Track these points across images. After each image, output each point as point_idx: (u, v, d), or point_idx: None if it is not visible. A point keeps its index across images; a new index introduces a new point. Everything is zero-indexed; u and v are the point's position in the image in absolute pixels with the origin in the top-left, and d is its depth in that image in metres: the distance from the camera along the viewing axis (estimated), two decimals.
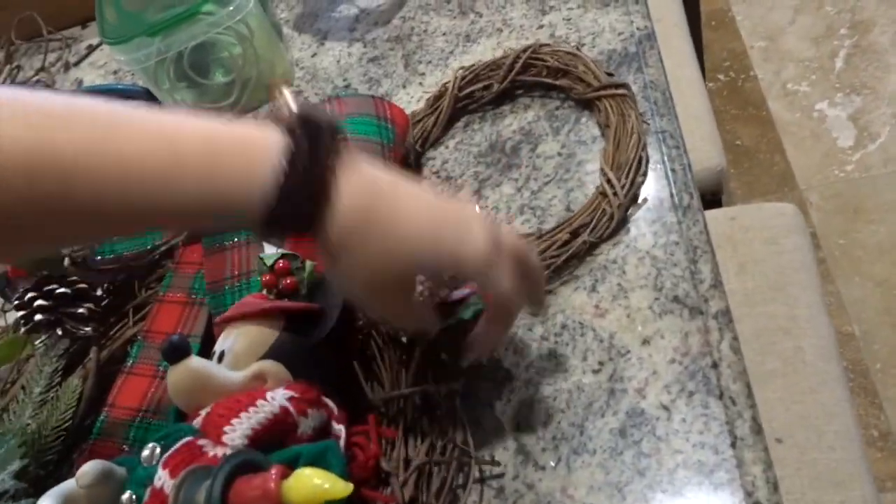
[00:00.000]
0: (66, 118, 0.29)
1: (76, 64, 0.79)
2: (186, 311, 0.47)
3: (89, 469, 0.35)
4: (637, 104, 0.50)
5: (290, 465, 0.31)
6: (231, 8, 0.57)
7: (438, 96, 0.55)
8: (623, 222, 0.46)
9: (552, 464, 0.39)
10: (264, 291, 0.40)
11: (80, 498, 0.34)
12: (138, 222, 0.32)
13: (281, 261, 0.39)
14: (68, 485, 0.34)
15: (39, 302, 0.44)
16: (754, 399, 0.38)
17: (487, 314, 0.37)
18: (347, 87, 0.63)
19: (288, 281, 0.39)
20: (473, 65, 0.56)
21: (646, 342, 0.41)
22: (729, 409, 0.38)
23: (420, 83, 0.60)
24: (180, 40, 0.58)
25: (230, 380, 0.35)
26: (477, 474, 0.39)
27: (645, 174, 0.47)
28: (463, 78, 0.55)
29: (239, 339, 0.37)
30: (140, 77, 0.63)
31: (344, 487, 0.27)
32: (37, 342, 0.47)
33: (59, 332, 0.45)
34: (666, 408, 0.39)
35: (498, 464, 0.39)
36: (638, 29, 0.56)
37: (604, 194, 0.46)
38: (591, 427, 0.39)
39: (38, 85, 0.78)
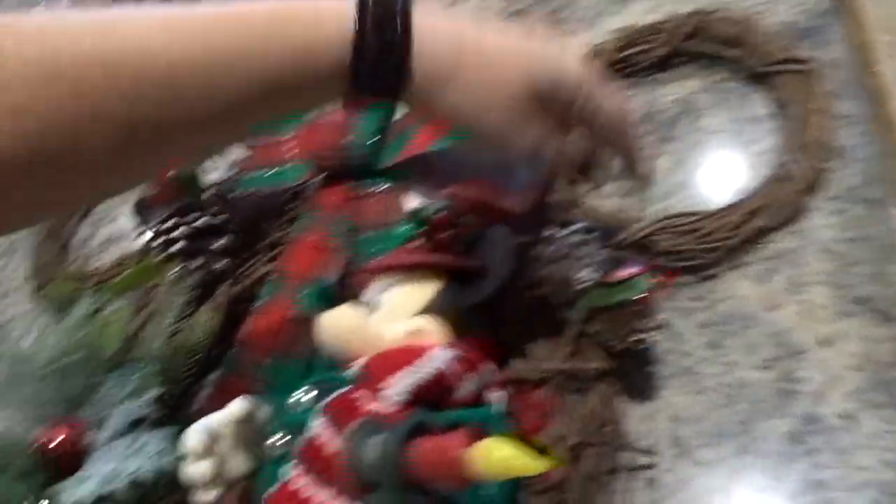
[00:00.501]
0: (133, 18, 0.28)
1: None
2: (323, 254, 0.46)
3: (241, 404, 0.34)
4: (822, 82, 0.45)
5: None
6: None
7: (594, 57, 0.52)
8: (802, 211, 0.42)
9: (713, 459, 0.36)
10: (416, 244, 0.38)
11: (227, 432, 0.33)
12: (227, 113, 0.30)
13: (440, 213, 0.37)
14: (216, 417, 0.33)
15: (181, 230, 0.43)
16: None
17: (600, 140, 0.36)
18: None
19: (446, 235, 0.36)
20: (630, 27, 0.52)
21: (825, 343, 0.38)
22: None
23: None
24: None
25: (389, 331, 0.33)
26: (628, 462, 0.36)
27: (830, 160, 0.43)
28: (619, 40, 0.51)
29: (395, 291, 0.35)
30: None
31: (539, 465, 0.24)
32: (170, 271, 0.46)
33: (196, 263, 0.44)
34: (849, 417, 0.35)
35: (653, 454, 0.36)
36: (811, 6, 0.51)
37: (781, 178, 0.42)
38: (758, 427, 0.36)
39: None
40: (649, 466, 0.36)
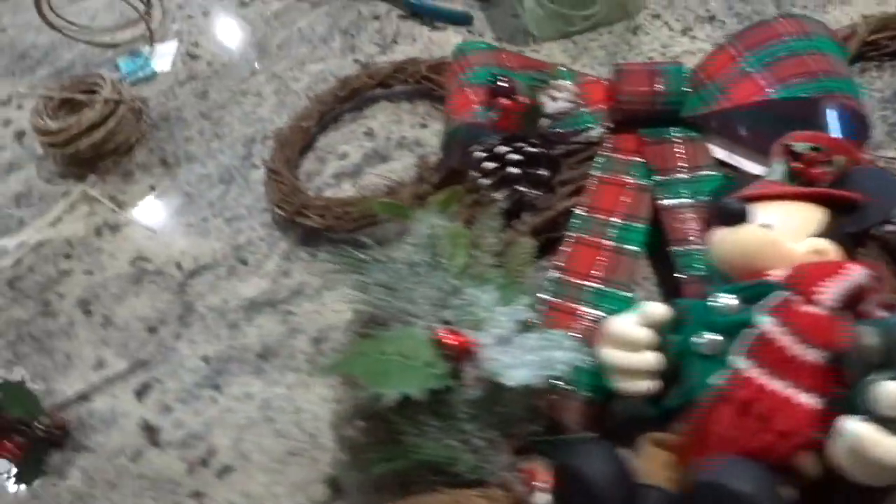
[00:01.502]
0: None
1: None
2: (629, 193, 0.49)
3: (662, 307, 0.37)
4: None
5: None
6: None
7: (846, 37, 0.56)
8: None
9: None
10: (779, 179, 0.41)
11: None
12: None
13: (812, 151, 0.41)
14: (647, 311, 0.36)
15: (514, 157, 0.46)
16: None
17: None
18: (712, 18, 0.64)
19: (818, 170, 0.40)
20: (881, 14, 0.57)
21: None
22: None
23: None
24: None
25: (794, 248, 0.37)
26: None
27: None
28: (873, 23, 0.56)
29: (785, 215, 0.39)
30: None
31: None
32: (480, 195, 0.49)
33: (522, 189, 0.47)
34: None
35: None
36: None
37: None
38: None
39: None
40: None
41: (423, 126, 0.63)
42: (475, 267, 0.45)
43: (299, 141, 0.63)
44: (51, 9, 0.76)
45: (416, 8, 0.72)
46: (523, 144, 0.47)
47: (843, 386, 0.32)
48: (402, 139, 0.63)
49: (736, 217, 0.38)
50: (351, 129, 0.65)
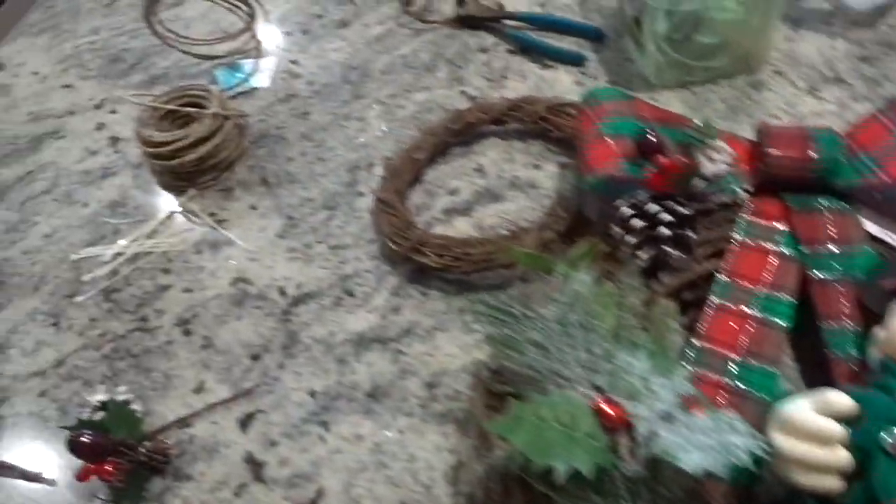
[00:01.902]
0: None
1: None
2: (775, 261, 0.47)
3: (845, 399, 0.35)
4: None
5: None
6: None
7: None
8: None
9: None
10: None
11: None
12: None
13: None
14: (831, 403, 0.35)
15: (667, 217, 0.44)
16: None
17: None
18: (838, 80, 0.63)
19: None
20: None
21: None
22: None
23: None
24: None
25: None
26: None
27: None
28: None
29: None
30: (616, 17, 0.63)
31: None
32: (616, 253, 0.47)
33: (666, 250, 0.45)
34: None
35: None
36: None
37: None
38: None
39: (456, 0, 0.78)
40: None
41: (537, 167, 0.62)
42: (623, 329, 0.43)
43: (409, 172, 0.62)
44: (155, 15, 0.76)
45: (526, 44, 0.71)
46: (674, 204, 0.45)
47: None
48: (515, 179, 0.62)
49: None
50: (461, 165, 0.64)
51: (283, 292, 0.58)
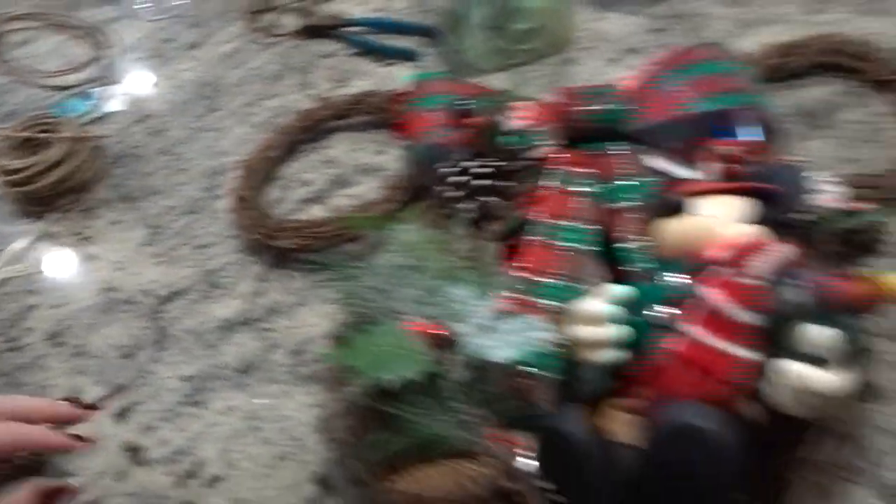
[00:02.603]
0: None
1: None
2: (579, 199, 0.54)
3: (624, 288, 0.42)
4: None
5: None
6: None
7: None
8: None
9: None
10: (705, 178, 0.48)
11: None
12: None
13: (734, 153, 0.48)
14: (609, 293, 0.42)
15: (479, 171, 0.51)
16: None
17: None
18: (634, 50, 0.72)
19: (741, 167, 0.47)
20: (776, 42, 0.66)
21: None
22: None
23: None
24: None
25: (727, 232, 0.43)
26: None
27: None
28: (770, 52, 0.65)
29: (718, 206, 0.45)
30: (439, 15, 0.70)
31: None
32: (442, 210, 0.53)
33: (486, 200, 0.52)
34: None
35: None
36: None
37: None
38: None
39: (295, 12, 0.83)
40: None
41: (382, 153, 0.68)
42: (450, 268, 0.49)
43: (264, 170, 0.66)
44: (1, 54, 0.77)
45: (367, 46, 0.78)
46: (488, 160, 0.52)
47: (771, 341, 0.38)
48: (364, 165, 0.67)
49: (675, 209, 0.44)
50: (313, 159, 0.69)
51: (151, 294, 0.61)
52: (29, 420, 0.39)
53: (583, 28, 0.75)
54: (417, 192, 0.58)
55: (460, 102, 0.54)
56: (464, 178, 0.51)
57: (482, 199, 0.52)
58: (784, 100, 0.64)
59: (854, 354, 0.37)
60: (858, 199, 0.50)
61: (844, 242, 0.49)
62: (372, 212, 0.58)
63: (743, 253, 0.41)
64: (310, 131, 0.69)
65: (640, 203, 0.52)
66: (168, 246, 0.64)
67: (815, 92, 0.64)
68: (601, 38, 0.74)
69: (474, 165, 0.51)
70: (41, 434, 0.39)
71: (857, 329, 0.38)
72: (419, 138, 0.56)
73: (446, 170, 0.52)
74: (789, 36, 0.69)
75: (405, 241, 0.48)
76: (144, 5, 0.88)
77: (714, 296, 0.39)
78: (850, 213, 0.49)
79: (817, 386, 0.34)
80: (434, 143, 0.54)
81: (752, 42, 0.69)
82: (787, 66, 0.65)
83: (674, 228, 0.44)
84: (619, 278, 0.52)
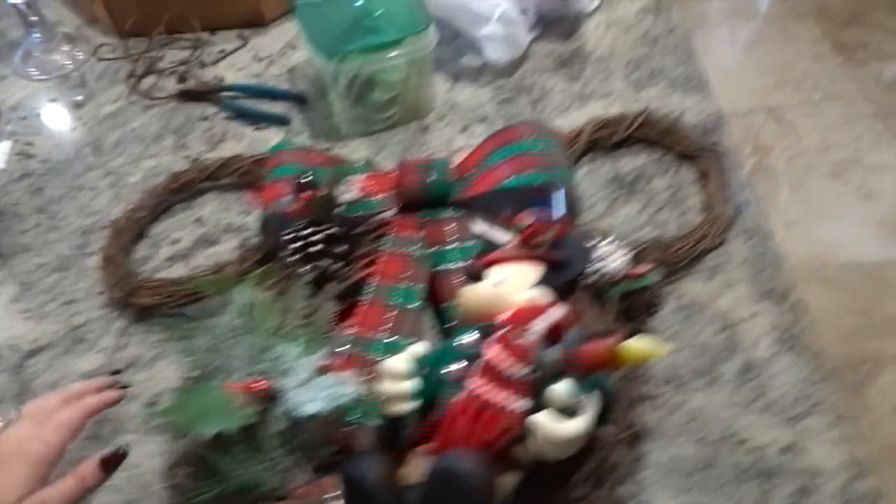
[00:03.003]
0: None
1: (212, 64, 0.91)
2: (410, 263, 0.61)
3: (422, 346, 0.49)
4: (725, 159, 0.71)
5: None
6: (422, 45, 0.73)
7: (575, 136, 0.74)
8: (725, 239, 0.66)
9: (696, 389, 0.57)
10: (509, 246, 0.56)
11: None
12: None
13: (533, 226, 0.55)
14: (409, 352, 0.48)
15: (314, 238, 0.57)
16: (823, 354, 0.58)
17: None
18: (484, 119, 0.80)
19: (538, 239, 0.55)
20: (600, 117, 0.75)
21: (752, 316, 0.61)
22: (812, 360, 0.58)
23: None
24: (377, 61, 0.73)
25: (514, 298, 0.51)
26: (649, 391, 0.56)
27: (737, 208, 0.67)
28: (595, 125, 0.74)
29: (511, 274, 0.53)
30: (320, 82, 0.77)
31: (667, 348, 0.43)
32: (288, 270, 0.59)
33: (323, 263, 0.58)
34: (771, 357, 0.58)
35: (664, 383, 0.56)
36: (711, 111, 0.78)
37: (714, 219, 0.66)
38: (720, 368, 0.58)
39: (176, 76, 0.89)
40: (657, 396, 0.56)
41: (248, 213, 0.73)
42: (286, 328, 0.55)
43: (133, 230, 0.71)
44: None
45: (242, 111, 0.83)
46: (324, 227, 0.58)
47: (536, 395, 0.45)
48: (230, 225, 0.72)
49: (475, 278, 0.51)
50: (183, 218, 0.74)
51: (16, 349, 0.64)
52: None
53: (439, 98, 0.83)
54: (267, 255, 0.63)
55: (304, 174, 0.60)
56: (301, 244, 0.57)
57: (318, 263, 0.58)
58: (604, 168, 0.73)
59: (598, 406, 0.44)
60: (643, 262, 0.59)
61: (626, 304, 0.57)
62: (226, 272, 0.63)
63: (523, 317, 0.48)
64: (181, 192, 0.74)
65: (461, 267, 0.60)
66: (37, 302, 0.68)
67: (631, 162, 0.74)
68: (454, 108, 0.82)
69: (311, 233, 0.57)
70: (99, 399, 0.49)
71: (605, 384, 0.46)
72: (267, 206, 0.62)
73: (287, 237, 0.58)
74: (618, 108, 0.79)
75: (242, 302, 0.54)
76: (30, 68, 0.91)
77: (493, 355, 0.46)
78: (632, 278, 0.57)
79: (556, 434, 0.42)
80: (278, 211, 0.60)
81: (583, 114, 0.78)
82: (607, 140, 0.74)
83: (471, 295, 0.51)
84: (443, 334, 0.59)
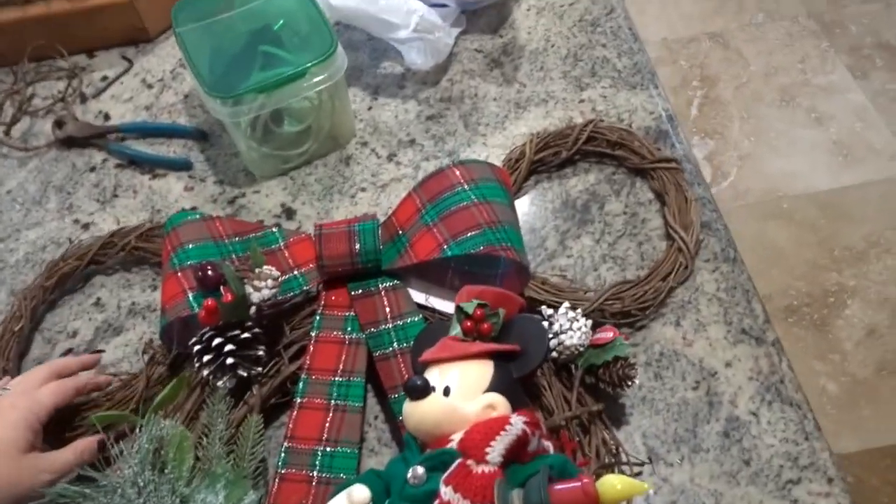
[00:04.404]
0: None
1: (95, 96, 0.78)
2: (344, 349, 0.53)
3: (363, 490, 0.42)
4: (683, 174, 0.64)
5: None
6: (332, 71, 0.63)
7: (517, 159, 0.65)
8: (692, 272, 0.59)
9: (678, 461, 0.51)
10: (457, 334, 0.48)
11: None
12: None
13: (478, 309, 0.48)
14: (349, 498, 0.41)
15: (228, 347, 0.49)
16: (810, 405, 0.53)
17: None
18: (412, 142, 0.71)
19: (485, 326, 0.47)
20: (542, 132, 0.67)
21: (728, 365, 0.55)
22: (797, 412, 0.52)
23: (484, 143, 0.70)
24: (281, 97, 0.63)
25: (469, 410, 0.44)
26: (627, 472, 0.50)
27: (701, 233, 0.61)
28: (537, 144, 0.66)
29: (461, 376, 0.45)
30: (225, 122, 0.66)
31: (643, 487, 0.37)
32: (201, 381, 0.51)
33: (242, 373, 0.50)
34: (754, 414, 0.52)
35: (649, 461, 0.50)
36: (664, 110, 0.70)
37: (679, 249, 0.59)
38: (701, 432, 0.52)
39: (53, 116, 0.77)
40: (638, 474, 0.51)
41: (154, 289, 0.64)
42: (204, 463, 0.47)
43: (13, 345, 0.60)
44: None
45: (134, 156, 0.72)
46: (237, 331, 0.49)
47: None
48: (133, 305, 0.63)
49: (420, 392, 0.43)
50: (79, 302, 0.64)
51: None
52: (69, 373, 0.53)
53: (359, 118, 0.73)
54: (176, 360, 0.55)
55: (209, 267, 0.51)
56: (213, 357, 0.49)
57: (237, 372, 0.50)
58: (551, 193, 0.65)
59: None
60: (607, 322, 0.52)
61: (597, 377, 0.51)
62: (137, 385, 0.54)
63: (482, 438, 0.41)
64: (59, 287, 0.63)
65: (407, 347, 0.52)
66: None
67: (580, 182, 0.66)
68: (377, 130, 0.72)
69: (223, 342, 0.49)
70: (86, 379, 0.53)
71: None
72: (168, 309, 0.53)
73: (195, 347, 0.49)
74: (560, 114, 0.70)
75: (150, 438, 0.46)
76: None
77: (453, 494, 0.40)
78: (597, 345, 0.51)
79: None
80: (180, 316, 0.51)
81: (521, 126, 0.70)
82: (552, 159, 0.66)
83: (418, 413, 0.44)
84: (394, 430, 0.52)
